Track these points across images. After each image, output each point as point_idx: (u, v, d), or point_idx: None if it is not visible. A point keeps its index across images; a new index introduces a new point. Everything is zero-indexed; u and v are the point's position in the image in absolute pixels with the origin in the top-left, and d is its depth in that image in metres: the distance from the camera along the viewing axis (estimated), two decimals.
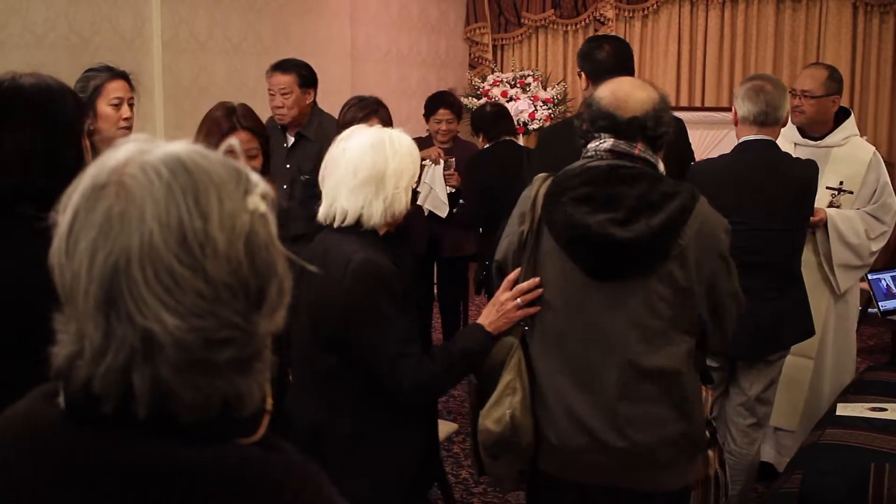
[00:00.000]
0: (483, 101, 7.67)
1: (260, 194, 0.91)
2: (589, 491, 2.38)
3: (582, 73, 3.49)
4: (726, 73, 7.71)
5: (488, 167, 4.84)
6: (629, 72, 3.48)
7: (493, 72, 8.25)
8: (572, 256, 2.29)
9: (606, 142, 2.31)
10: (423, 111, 5.48)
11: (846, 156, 4.00)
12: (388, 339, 2.20)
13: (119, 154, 0.89)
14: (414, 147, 2.33)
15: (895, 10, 7.07)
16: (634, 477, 2.31)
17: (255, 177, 0.93)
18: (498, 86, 7.78)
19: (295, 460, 0.95)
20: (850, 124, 4.07)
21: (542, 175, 2.42)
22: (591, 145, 2.34)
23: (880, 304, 5.41)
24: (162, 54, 5.07)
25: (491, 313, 2.37)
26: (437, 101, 5.41)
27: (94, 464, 0.87)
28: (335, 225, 2.27)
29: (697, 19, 7.80)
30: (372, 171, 2.22)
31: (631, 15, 8.00)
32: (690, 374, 2.34)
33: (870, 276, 5.39)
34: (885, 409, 3.32)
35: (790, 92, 4.05)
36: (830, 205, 3.98)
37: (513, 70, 8.17)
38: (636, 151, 2.29)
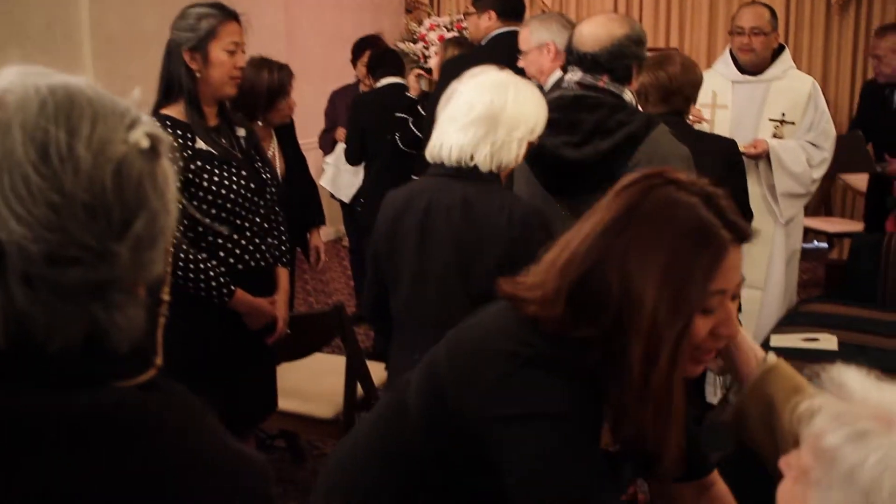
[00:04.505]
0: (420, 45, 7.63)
1: (146, 132, 0.90)
2: None
3: (492, 13, 3.91)
4: (663, 13, 7.72)
5: (368, 109, 4.80)
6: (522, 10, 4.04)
7: (429, 16, 8.16)
8: (534, 172, 2.60)
9: (576, 74, 2.58)
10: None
11: (786, 88, 4.13)
12: None
13: (10, 71, 0.89)
14: (541, 104, 2.29)
15: None
16: None
17: (150, 120, 0.93)
18: (434, 30, 7.70)
19: (178, 399, 0.94)
20: (786, 57, 4.21)
21: None
22: (566, 76, 2.63)
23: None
24: (89, 6, 4.92)
25: None
26: (363, 46, 5.39)
27: None
28: (457, 165, 2.20)
29: None
30: (488, 110, 2.16)
31: None
32: None
33: None
34: (817, 339, 3.41)
35: (735, 31, 4.12)
36: (774, 136, 4.09)
37: (449, 14, 8.10)
38: (601, 84, 2.55)
